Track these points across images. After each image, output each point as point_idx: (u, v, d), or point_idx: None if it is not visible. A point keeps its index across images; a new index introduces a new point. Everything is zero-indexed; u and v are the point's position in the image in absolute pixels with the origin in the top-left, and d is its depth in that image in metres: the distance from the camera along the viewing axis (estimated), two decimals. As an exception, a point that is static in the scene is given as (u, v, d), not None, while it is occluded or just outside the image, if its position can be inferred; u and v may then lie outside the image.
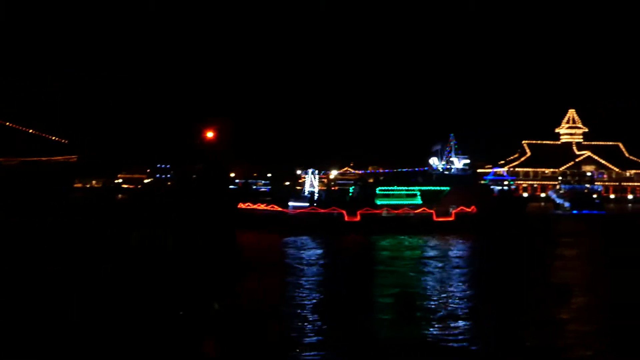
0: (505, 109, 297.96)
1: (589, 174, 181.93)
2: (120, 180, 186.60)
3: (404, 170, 79.61)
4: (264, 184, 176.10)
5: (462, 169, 76.08)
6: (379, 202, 72.11)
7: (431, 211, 71.40)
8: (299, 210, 71.58)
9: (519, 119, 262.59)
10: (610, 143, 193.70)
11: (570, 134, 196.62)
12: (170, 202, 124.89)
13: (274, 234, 65.64)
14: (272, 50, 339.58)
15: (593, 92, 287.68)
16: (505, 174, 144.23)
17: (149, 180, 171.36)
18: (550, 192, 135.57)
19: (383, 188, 73.19)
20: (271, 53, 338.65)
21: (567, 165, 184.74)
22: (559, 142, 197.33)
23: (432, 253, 52.96)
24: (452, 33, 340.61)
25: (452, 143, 77.15)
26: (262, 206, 72.79)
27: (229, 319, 28.01)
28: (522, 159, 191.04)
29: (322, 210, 71.21)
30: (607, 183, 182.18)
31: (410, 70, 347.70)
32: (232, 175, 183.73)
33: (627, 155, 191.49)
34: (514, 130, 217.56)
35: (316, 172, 75.62)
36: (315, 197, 73.49)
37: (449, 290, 35.47)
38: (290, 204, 72.35)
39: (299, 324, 27.49)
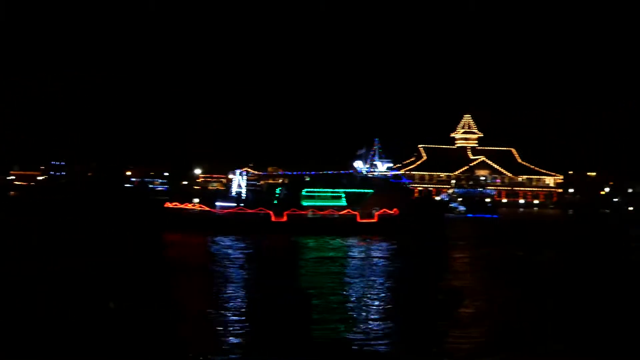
0: (402, 113, 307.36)
1: (482, 178, 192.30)
2: (13, 177, 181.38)
3: (329, 172, 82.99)
4: (161, 183, 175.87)
5: (385, 172, 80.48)
6: (305, 203, 75.27)
7: (355, 213, 75.14)
8: (226, 211, 73.76)
9: (415, 123, 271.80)
10: (504, 149, 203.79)
11: (465, 139, 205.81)
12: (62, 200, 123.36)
13: (202, 234, 67.56)
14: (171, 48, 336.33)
15: (488, 99, 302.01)
16: (402, 177, 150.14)
17: (42, 177, 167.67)
18: (442, 196, 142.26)
19: (309, 190, 76.38)
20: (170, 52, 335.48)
21: (462, 169, 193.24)
22: (454, 147, 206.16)
23: (352, 254, 56.51)
24: (367, 38, 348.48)
25: (376, 147, 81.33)
26: (190, 206, 74.39)
27: (126, 319, 28.41)
28: (418, 162, 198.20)
29: (249, 211, 73.69)
30: (500, 187, 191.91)
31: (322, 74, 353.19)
32: (129, 173, 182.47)
33: (519, 160, 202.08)
34: (410, 134, 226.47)
35: (244, 172, 77.88)
36: (243, 197, 75.71)
37: (364, 292, 37.25)
38: (218, 204, 74.41)
39: (213, 325, 28.37)
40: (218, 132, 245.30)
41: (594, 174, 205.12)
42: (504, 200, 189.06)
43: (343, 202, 75.97)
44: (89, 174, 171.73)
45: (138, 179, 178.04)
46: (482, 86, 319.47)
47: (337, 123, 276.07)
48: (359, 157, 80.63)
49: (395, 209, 75.79)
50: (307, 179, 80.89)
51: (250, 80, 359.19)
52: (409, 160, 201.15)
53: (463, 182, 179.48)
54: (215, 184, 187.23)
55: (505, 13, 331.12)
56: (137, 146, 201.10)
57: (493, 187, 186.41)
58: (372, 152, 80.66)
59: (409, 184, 78.78)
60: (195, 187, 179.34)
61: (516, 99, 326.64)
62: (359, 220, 74.85)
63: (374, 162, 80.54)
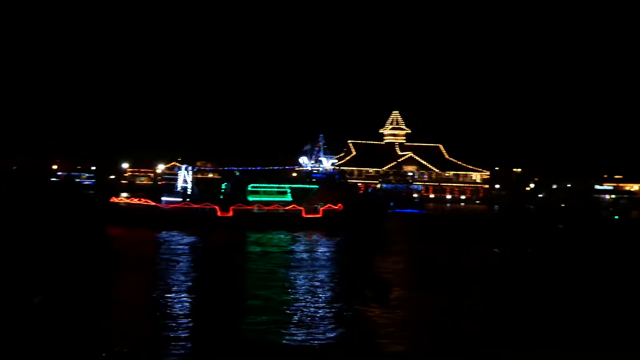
0: (332, 108, 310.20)
1: (410, 174, 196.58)
2: None
3: (275, 168, 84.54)
4: (88, 177, 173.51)
5: (329, 168, 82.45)
6: (251, 198, 76.58)
7: (300, 208, 76.86)
8: (172, 205, 74.45)
9: (345, 119, 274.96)
10: (431, 145, 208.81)
11: (394, 135, 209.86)
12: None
13: (147, 228, 68.16)
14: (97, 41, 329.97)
15: (416, 96, 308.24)
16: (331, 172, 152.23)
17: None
18: (369, 190, 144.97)
19: (255, 185, 77.71)
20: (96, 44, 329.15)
21: (390, 165, 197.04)
22: (382, 143, 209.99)
23: (295, 249, 57.98)
24: (308, 33, 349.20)
25: (320, 143, 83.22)
26: (136, 200, 74.72)
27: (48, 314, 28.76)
28: (348, 157, 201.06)
29: (195, 206, 74.58)
30: (427, 183, 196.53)
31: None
32: (54, 167, 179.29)
33: (446, 156, 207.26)
34: (339, 130, 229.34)
35: (190, 168, 78.48)
36: (189, 193, 76.42)
37: (300, 288, 38.14)
38: (164, 199, 74.98)
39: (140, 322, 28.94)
40: (145, 125, 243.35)
41: (520, 170, 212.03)
42: (432, 196, 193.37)
43: (289, 198, 77.61)
44: (14, 167, 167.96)
45: (64, 173, 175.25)
46: (411, 83, 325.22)
47: (269, 118, 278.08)
48: (304, 153, 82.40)
49: (339, 205, 77.83)
50: (237, 174, 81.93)
51: (182, 75, 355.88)
52: (338, 156, 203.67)
53: (391, 177, 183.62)
54: (142, 178, 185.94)
55: (433, 10, 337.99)
56: (63, 139, 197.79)
57: (421, 183, 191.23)
58: (317, 148, 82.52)
59: (339, 179, 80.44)
60: (123, 182, 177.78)
61: (444, 96, 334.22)
62: (304, 215, 76.59)
63: (319, 158, 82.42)
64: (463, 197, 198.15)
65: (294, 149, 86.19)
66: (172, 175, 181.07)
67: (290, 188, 78.31)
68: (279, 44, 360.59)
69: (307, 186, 79.14)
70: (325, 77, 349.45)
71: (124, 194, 76.93)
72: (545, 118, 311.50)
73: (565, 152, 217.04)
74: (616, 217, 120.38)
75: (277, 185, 78.21)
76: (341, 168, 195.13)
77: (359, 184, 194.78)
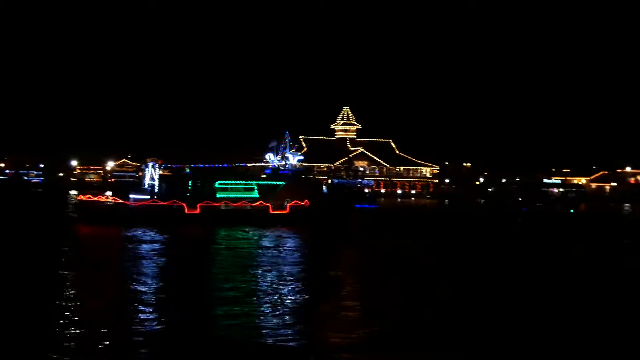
0: (281, 104, 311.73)
1: (361, 169, 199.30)
2: None
3: (242, 165, 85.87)
4: (36, 175, 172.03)
5: (295, 165, 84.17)
6: (218, 195, 77.75)
7: (267, 204, 78.33)
8: (139, 203, 75.14)
9: (295, 114, 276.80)
10: (382, 140, 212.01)
11: (345, 131, 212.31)
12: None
13: (116, 226, 68.88)
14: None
15: (367, 91, 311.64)
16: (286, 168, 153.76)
17: None
18: (333, 182, 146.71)
19: (222, 182, 78.90)
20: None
21: (341, 160, 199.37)
22: (334, 138, 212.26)
23: (262, 245, 59.19)
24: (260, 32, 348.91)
25: (286, 140, 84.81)
26: (103, 198, 75.19)
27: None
28: (300, 154, 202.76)
29: (163, 203, 75.42)
30: (378, 178, 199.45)
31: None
32: (2, 165, 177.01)
33: (397, 152, 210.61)
34: (290, 125, 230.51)
35: (156, 165, 79.17)
36: (156, 190, 77.17)
37: (264, 285, 38.41)
38: (131, 196, 75.61)
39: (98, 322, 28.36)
40: (94, 122, 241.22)
41: (469, 164, 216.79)
42: (382, 191, 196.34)
43: (255, 194, 78.99)
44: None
45: (12, 171, 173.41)
46: (362, 79, 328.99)
47: (219, 114, 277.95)
48: (270, 150, 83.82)
49: (306, 201, 79.53)
50: (187, 170, 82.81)
51: (132, 70, 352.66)
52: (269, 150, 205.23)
53: (342, 172, 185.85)
54: (92, 176, 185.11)
55: (384, 7, 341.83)
56: (10, 137, 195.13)
57: (372, 178, 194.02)
58: (282, 145, 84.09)
59: (305, 175, 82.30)
60: (72, 179, 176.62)
61: (395, 92, 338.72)
62: (271, 211, 78.05)
63: (286, 155, 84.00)
64: (414, 191, 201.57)
65: (247, 144, 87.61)
66: (121, 172, 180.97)
67: (257, 185, 79.73)
68: (231, 40, 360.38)
69: (274, 182, 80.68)
70: (276, 73, 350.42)
71: (73, 192, 77.09)
72: (493, 113, 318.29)
73: (514, 146, 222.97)
74: (571, 210, 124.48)
75: (244, 182, 79.54)
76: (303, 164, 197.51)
77: (311, 180, 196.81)
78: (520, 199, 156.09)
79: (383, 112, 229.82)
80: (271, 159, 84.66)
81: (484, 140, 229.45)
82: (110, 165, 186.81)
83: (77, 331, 26.36)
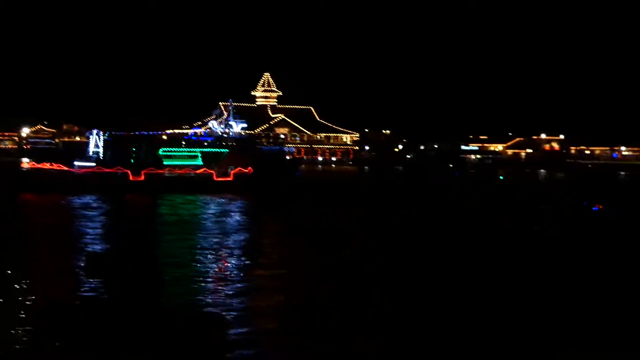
0: (202, 69, 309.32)
1: (282, 136, 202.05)
2: None
3: (159, 133, 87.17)
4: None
5: (239, 132, 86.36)
6: (162, 162, 79.47)
7: (211, 172, 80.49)
8: (84, 170, 76.21)
9: (216, 80, 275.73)
10: (303, 107, 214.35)
11: (266, 97, 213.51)
12: None
13: (61, 193, 69.97)
14: None
15: (288, 58, 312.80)
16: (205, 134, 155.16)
17: None
18: (273, 149, 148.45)
19: (166, 149, 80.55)
20: None
21: (263, 127, 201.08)
22: (255, 105, 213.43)
23: (204, 212, 61.23)
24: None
25: (230, 107, 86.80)
26: (47, 165, 75.77)
27: None
28: (220, 120, 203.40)
29: (107, 170, 76.70)
30: (299, 145, 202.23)
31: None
32: None
33: (318, 119, 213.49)
34: (209, 91, 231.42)
35: (101, 132, 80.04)
36: (101, 157, 78.24)
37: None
38: (76, 163, 76.56)
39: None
40: (7, 87, 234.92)
41: (389, 132, 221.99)
42: (304, 158, 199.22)
43: (199, 162, 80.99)
44: None
45: None
46: (283, 45, 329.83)
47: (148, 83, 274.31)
48: (214, 118, 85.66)
49: (249, 168, 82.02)
50: (106, 136, 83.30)
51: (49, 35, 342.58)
52: (210, 118, 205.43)
53: (264, 139, 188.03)
54: (7, 142, 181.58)
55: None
56: None
57: (293, 145, 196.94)
58: (225, 113, 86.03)
59: (210, 141, 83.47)
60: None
61: (316, 59, 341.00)
62: (215, 179, 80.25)
63: (229, 123, 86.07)
64: (334, 158, 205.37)
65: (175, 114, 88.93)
66: (37, 138, 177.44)
67: (201, 152, 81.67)
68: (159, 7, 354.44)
69: (218, 150, 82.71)
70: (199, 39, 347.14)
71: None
72: (412, 81, 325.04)
73: (432, 114, 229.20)
74: (501, 177, 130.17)
75: (188, 150, 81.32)
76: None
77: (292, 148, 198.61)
78: (444, 166, 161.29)
79: (305, 79, 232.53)
80: (214, 126, 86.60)
81: (403, 107, 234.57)
82: (25, 131, 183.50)
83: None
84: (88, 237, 43.38)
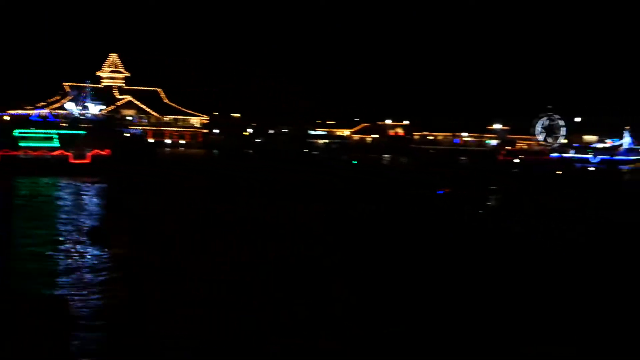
0: (40, 49, 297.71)
1: (129, 118, 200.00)
2: None
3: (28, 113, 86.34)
4: None
5: (97, 114, 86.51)
6: (18, 144, 78.70)
7: (68, 154, 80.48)
8: None
9: (58, 59, 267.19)
10: (150, 89, 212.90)
11: (112, 78, 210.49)
12: None
13: None
14: None
15: (136, 39, 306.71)
16: (50, 116, 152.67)
17: None
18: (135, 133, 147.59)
19: (22, 130, 79.74)
20: None
21: (109, 109, 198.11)
22: (100, 86, 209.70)
23: (58, 195, 61.85)
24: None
25: (87, 89, 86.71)
26: None
27: None
28: (64, 100, 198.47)
29: (-41, 151, 75.36)
30: (146, 127, 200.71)
31: None
32: None
33: (166, 101, 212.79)
34: (51, 72, 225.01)
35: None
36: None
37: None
38: None
39: None
40: None
41: (239, 115, 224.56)
42: (151, 140, 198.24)
43: (56, 144, 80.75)
44: None
45: None
46: (130, 25, 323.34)
47: None
48: (71, 100, 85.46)
49: (107, 150, 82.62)
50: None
51: None
52: (54, 98, 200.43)
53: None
54: None
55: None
56: None
57: (140, 127, 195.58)
58: (83, 94, 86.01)
59: (59, 123, 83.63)
60: None
61: (164, 40, 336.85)
62: (71, 161, 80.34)
63: (86, 104, 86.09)
64: (182, 141, 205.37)
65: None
66: None
67: (57, 134, 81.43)
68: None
69: (75, 132, 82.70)
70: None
71: None
72: (258, 63, 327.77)
73: (281, 99, 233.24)
74: (354, 162, 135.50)
75: (44, 131, 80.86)
76: (57, 111, 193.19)
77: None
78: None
79: (154, 61, 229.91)
80: (72, 108, 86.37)
81: (252, 91, 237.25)
82: None
83: None
84: None
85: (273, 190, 69.34)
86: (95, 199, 59.61)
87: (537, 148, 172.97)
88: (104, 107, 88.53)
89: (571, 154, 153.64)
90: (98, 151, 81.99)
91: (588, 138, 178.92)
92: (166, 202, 57.36)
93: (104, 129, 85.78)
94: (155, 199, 59.68)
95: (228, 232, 42.34)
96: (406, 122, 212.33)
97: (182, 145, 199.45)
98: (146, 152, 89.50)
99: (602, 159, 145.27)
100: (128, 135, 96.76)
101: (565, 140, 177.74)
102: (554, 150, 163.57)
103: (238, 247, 36.82)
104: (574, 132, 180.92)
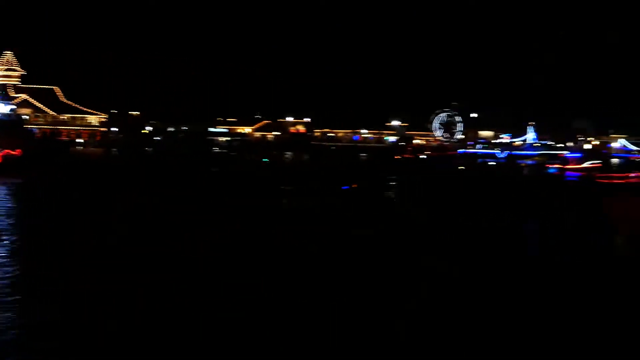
0: None
1: (25, 117, 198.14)
2: None
3: None
4: None
5: (7, 114, 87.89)
6: None
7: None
8: None
9: None
10: (47, 87, 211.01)
11: (7, 77, 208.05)
12: None
13: None
14: None
15: (31, 36, 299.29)
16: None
17: None
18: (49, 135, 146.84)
19: None
20: None
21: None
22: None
23: None
24: None
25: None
26: None
27: None
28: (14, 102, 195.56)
29: None
30: (43, 126, 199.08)
31: None
32: None
33: (63, 99, 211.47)
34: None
35: None
36: None
37: None
38: None
39: None
40: None
41: (137, 113, 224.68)
42: (65, 139, 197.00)
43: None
44: None
45: None
46: (30, 23, 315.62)
47: None
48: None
49: (18, 150, 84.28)
50: None
51: None
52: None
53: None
54: None
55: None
56: None
57: (35, 126, 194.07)
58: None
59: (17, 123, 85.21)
60: None
61: (62, 38, 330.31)
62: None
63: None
64: (80, 140, 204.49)
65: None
66: None
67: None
68: None
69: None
70: None
71: None
72: (156, 61, 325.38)
73: (180, 96, 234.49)
74: (265, 159, 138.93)
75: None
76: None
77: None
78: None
79: (51, 59, 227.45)
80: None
81: (151, 88, 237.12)
82: None
83: None
84: None
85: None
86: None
87: (435, 144, 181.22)
88: (15, 106, 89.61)
89: (477, 149, 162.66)
90: (9, 151, 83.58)
91: (484, 134, 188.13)
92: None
93: (15, 129, 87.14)
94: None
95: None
96: (307, 120, 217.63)
97: (79, 144, 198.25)
98: (59, 152, 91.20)
99: (508, 154, 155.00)
100: (40, 135, 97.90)
101: (463, 136, 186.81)
102: (458, 147, 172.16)
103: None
104: (470, 128, 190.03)
